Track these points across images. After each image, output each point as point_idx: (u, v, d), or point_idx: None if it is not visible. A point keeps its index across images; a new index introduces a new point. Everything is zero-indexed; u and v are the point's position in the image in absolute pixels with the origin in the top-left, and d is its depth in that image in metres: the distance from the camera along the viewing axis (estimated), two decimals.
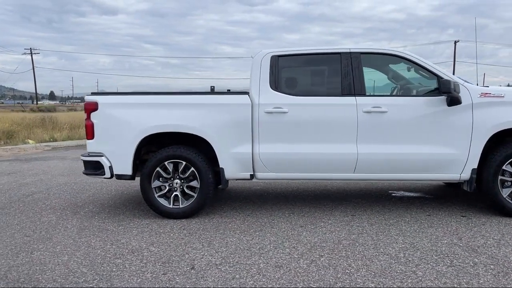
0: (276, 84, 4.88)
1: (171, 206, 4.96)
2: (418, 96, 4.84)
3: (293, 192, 6.34)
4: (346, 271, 3.44)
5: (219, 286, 3.22)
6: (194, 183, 4.93)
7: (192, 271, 3.51)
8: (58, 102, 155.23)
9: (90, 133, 5.01)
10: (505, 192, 4.74)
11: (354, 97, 4.78)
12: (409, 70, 5.14)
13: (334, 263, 3.60)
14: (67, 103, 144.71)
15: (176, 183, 4.96)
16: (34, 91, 77.51)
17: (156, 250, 4.01)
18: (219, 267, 3.58)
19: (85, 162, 5.10)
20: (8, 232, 4.63)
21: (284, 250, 3.92)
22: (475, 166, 4.72)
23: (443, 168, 4.77)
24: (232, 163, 4.88)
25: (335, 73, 4.91)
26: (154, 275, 3.44)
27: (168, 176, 4.96)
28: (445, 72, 4.80)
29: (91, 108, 4.98)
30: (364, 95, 4.80)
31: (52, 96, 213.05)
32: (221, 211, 5.29)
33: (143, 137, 4.88)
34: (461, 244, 3.98)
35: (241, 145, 4.87)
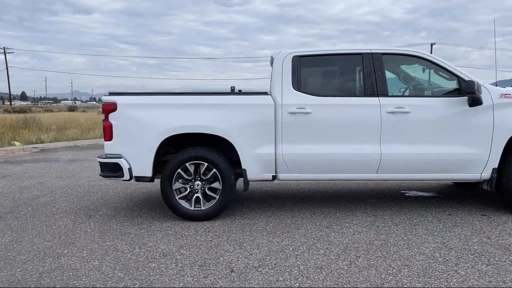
0: (298, 84, 4.86)
1: (192, 208, 4.88)
2: (440, 97, 4.88)
3: (306, 192, 6.33)
4: (389, 271, 3.43)
5: None
6: (216, 185, 4.86)
7: (233, 274, 3.45)
8: (30, 102, 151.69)
9: (108, 134, 4.88)
10: None
11: (377, 98, 4.80)
12: (423, 71, 5.20)
13: (374, 263, 3.60)
14: (39, 103, 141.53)
15: (197, 185, 4.88)
16: (7, 92, 75.50)
17: (187, 253, 3.93)
18: (259, 269, 3.53)
19: (102, 164, 4.96)
20: (26, 237, 4.47)
21: (319, 252, 3.90)
22: (496, 166, 4.79)
23: (465, 167, 4.83)
24: (255, 164, 4.84)
25: (357, 74, 4.92)
26: (195, 279, 3.36)
27: (189, 178, 4.88)
28: (465, 73, 4.86)
29: (110, 108, 4.86)
30: (386, 95, 4.83)
31: (23, 96, 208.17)
32: (241, 213, 5.23)
33: (164, 138, 4.79)
34: (491, 243, 4.03)
35: (264, 146, 4.82)
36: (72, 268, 3.63)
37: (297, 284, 3.24)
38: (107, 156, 4.92)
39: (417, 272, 3.40)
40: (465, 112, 4.77)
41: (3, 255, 3.94)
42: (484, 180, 4.90)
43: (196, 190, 4.89)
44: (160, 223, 4.88)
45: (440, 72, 5.01)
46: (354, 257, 3.76)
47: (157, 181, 5.17)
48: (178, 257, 3.84)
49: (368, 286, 3.18)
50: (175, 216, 5.04)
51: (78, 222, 4.99)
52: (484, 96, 4.76)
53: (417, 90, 5.30)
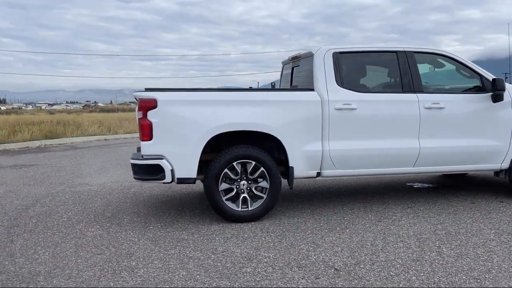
0: (341, 80, 4.88)
1: (239, 209, 4.67)
2: (469, 93, 5.22)
3: (320, 189, 6.37)
4: (481, 258, 3.61)
5: (387, 286, 3.16)
6: (264, 184, 4.71)
7: (341, 272, 3.38)
8: None
9: (147, 134, 4.48)
10: None
11: (415, 94, 5.00)
12: (431, 70, 5.53)
13: (460, 252, 3.76)
14: None
15: (243, 185, 4.68)
16: None
17: (270, 255, 3.76)
18: (361, 266, 3.50)
19: (140, 166, 4.54)
20: (66, 251, 3.94)
21: (398, 245, 3.96)
22: None
23: (489, 159, 5.23)
24: (302, 162, 4.77)
25: (394, 71, 5.08)
26: (308, 280, 3.24)
27: (236, 178, 4.66)
28: (485, 72, 5.26)
29: (149, 106, 4.46)
30: (422, 91, 5.05)
31: None
32: (279, 212, 5.10)
33: (211, 136, 4.53)
34: None
35: (312, 143, 4.78)
36: (165, 280, 3.28)
37: (414, 278, 3.27)
38: (146, 157, 4.52)
39: (507, 257, 3.62)
40: (489, 108, 5.17)
41: (61, 273, 3.44)
42: (502, 170, 5.33)
43: (242, 190, 4.69)
44: (205, 226, 4.60)
45: (461, 70, 5.35)
46: (435, 247, 3.88)
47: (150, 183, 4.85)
48: (264, 260, 3.66)
49: (481, 271, 3.31)
50: (214, 218, 4.80)
51: (111, 231, 4.52)
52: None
53: (447, 87, 5.60)
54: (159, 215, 5.10)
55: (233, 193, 4.66)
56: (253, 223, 4.68)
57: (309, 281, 3.24)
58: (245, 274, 3.37)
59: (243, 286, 3.16)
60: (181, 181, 4.58)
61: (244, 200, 4.68)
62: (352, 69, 5.05)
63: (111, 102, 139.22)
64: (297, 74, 5.65)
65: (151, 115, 4.46)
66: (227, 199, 4.65)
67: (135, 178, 4.64)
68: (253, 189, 4.71)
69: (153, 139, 4.47)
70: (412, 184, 6.66)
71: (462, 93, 5.26)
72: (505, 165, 5.28)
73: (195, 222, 4.79)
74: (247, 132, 4.66)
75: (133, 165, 4.59)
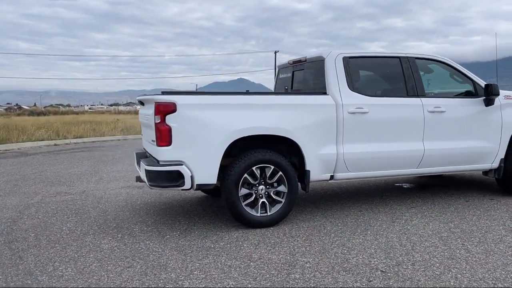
0: (352, 84, 4.97)
1: (258, 214, 4.61)
2: (465, 98, 5.52)
3: (318, 191, 6.43)
4: None
5: (440, 286, 3.27)
6: (281, 188, 4.68)
7: (389, 274, 3.44)
8: None
9: (166, 139, 4.29)
10: None
11: (419, 98, 5.20)
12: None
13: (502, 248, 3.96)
14: None
15: (261, 189, 4.63)
16: None
17: (307, 259, 3.74)
18: (404, 266, 3.58)
19: (158, 172, 4.33)
20: (90, 265, 3.67)
21: (435, 242, 4.10)
22: (503, 157, 5.63)
23: (482, 159, 5.56)
24: (317, 165, 4.80)
25: (399, 76, 5.25)
26: (362, 283, 3.26)
27: (255, 182, 4.59)
28: (477, 77, 5.59)
29: (168, 110, 4.28)
30: (424, 96, 5.26)
31: None
32: (290, 216, 5.07)
33: (233, 140, 4.43)
34: None
35: (327, 146, 4.82)
36: None
37: (460, 275, 3.40)
38: (164, 163, 4.33)
39: None
40: (483, 111, 5.50)
41: None
42: (492, 169, 5.69)
43: (260, 195, 4.63)
44: (224, 233, 4.48)
45: (455, 76, 5.65)
46: (460, 244, 4.06)
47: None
48: (306, 265, 3.63)
49: None
50: (229, 224, 4.72)
51: (127, 242, 4.27)
52: None
53: (444, 91, 5.87)
54: (169, 223, 4.90)
55: (252, 198, 4.59)
56: (272, 228, 4.63)
57: (364, 284, 3.26)
58: (296, 281, 3.32)
59: None
60: (200, 187, 4.44)
61: (263, 205, 4.62)
62: (362, 73, 5.15)
63: (35, 105, 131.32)
64: (300, 78, 5.67)
65: (170, 119, 4.28)
66: (246, 205, 4.56)
67: (151, 185, 4.42)
68: (271, 193, 4.65)
69: (172, 144, 4.29)
70: (401, 184, 6.92)
71: (459, 98, 5.55)
72: (495, 164, 5.64)
73: (211, 229, 4.65)
74: (264, 136, 4.61)
75: (149, 172, 4.38)
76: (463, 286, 3.21)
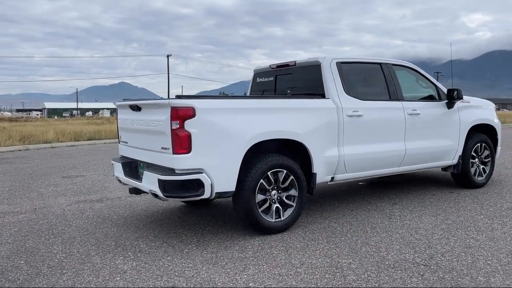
0: (347, 88, 5.16)
1: (273, 220, 4.55)
2: (434, 101, 6.05)
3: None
4: None
5: (480, 271, 3.57)
6: (293, 192, 4.68)
7: (432, 267, 3.65)
8: None
9: (185, 146, 4.03)
10: (472, 171, 6.50)
11: (400, 102, 5.59)
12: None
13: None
14: None
15: (274, 194, 4.58)
16: None
17: (347, 260, 3.81)
18: (437, 257, 3.82)
19: (175, 182, 4.04)
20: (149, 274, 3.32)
21: (449, 234, 4.42)
22: (461, 153, 6.29)
23: (446, 156, 6.15)
24: (322, 167, 4.89)
25: (383, 81, 5.57)
26: (418, 279, 3.41)
27: (269, 188, 4.53)
28: (439, 83, 6.19)
29: (187, 115, 4.03)
30: (403, 100, 5.67)
31: None
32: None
33: (251, 145, 4.32)
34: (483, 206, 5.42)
35: (331, 149, 4.94)
36: None
37: (494, 259, 3.74)
38: (181, 172, 4.05)
39: None
40: (446, 113, 6.09)
41: None
42: (452, 165, 6.32)
43: (273, 200, 4.58)
44: (246, 241, 4.34)
45: (420, 81, 6.18)
46: (474, 234, 4.45)
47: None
48: (352, 266, 3.69)
49: None
50: (240, 231, 4.61)
51: (147, 261, 3.91)
52: None
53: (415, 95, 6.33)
54: (172, 236, 4.59)
55: (267, 204, 4.51)
56: (285, 233, 4.60)
57: (419, 278, 3.41)
58: (358, 282, 3.36)
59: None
60: (220, 195, 4.24)
61: (277, 210, 4.57)
62: (353, 78, 5.36)
63: None
64: (287, 83, 5.70)
65: (190, 125, 4.03)
66: (262, 211, 4.47)
67: (166, 196, 4.10)
68: (283, 198, 4.62)
69: (192, 151, 4.05)
70: (362, 183, 7.31)
71: (429, 101, 6.07)
72: (455, 161, 6.28)
73: (224, 238, 4.47)
74: (276, 140, 4.57)
75: (166, 182, 4.06)
76: (499, 269, 3.53)
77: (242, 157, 4.27)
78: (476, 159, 6.56)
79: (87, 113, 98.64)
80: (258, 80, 6.21)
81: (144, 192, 4.73)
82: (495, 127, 6.73)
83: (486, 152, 6.65)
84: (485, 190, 6.48)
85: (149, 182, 4.30)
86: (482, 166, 6.64)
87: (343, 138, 5.02)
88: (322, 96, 5.05)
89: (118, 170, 5.09)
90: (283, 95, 5.52)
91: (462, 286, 3.25)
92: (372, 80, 5.61)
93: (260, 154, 4.46)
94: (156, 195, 4.28)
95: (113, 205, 6.15)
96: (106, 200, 6.46)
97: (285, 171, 4.56)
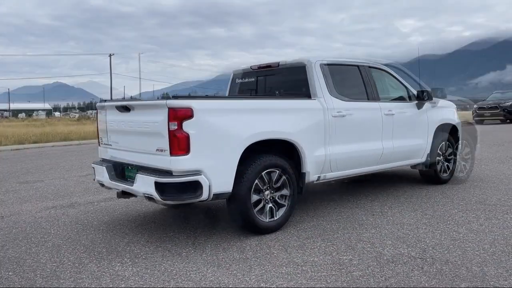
0: (330, 89, 5.29)
1: (267, 220, 4.58)
2: (405, 102, 6.34)
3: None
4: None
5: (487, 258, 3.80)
6: (285, 192, 4.73)
7: (428, 260, 3.84)
8: None
9: (184, 147, 3.97)
10: (438, 168, 6.88)
11: (377, 102, 5.81)
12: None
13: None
14: None
15: (267, 194, 4.62)
16: None
17: (348, 257, 3.91)
18: (431, 251, 4.03)
19: (173, 185, 3.97)
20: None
21: (444, 227, 4.65)
22: (428, 152, 6.63)
23: (417, 154, 6.46)
24: (311, 167, 4.98)
25: (362, 82, 5.77)
26: (431, 274, 3.59)
27: (263, 188, 4.56)
28: (408, 85, 6.50)
29: (185, 115, 3.97)
30: (379, 100, 5.90)
31: None
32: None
33: (247, 145, 4.33)
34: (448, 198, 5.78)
35: (319, 148, 5.04)
36: None
37: (491, 247, 3.99)
38: (179, 174, 3.99)
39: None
40: (417, 114, 6.41)
41: None
42: (422, 163, 6.65)
43: (267, 200, 4.61)
44: (237, 242, 4.33)
45: (391, 82, 6.45)
46: (467, 223, 4.72)
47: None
48: (354, 262, 3.80)
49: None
50: (225, 231, 4.61)
51: (147, 266, 3.82)
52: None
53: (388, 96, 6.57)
54: (165, 239, 4.50)
55: (261, 204, 4.53)
56: (278, 232, 4.64)
57: (419, 271, 3.56)
58: (366, 278, 3.46)
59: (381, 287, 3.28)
60: (218, 196, 4.21)
61: (270, 210, 4.61)
62: (334, 79, 5.48)
63: None
64: (270, 84, 5.74)
65: (188, 126, 3.98)
66: (256, 212, 4.49)
67: (164, 199, 4.02)
68: (276, 198, 4.66)
69: (190, 152, 3.99)
70: (346, 181, 7.48)
71: (401, 102, 6.34)
72: (423, 159, 6.61)
73: (223, 239, 4.44)
74: (268, 140, 4.61)
75: (163, 185, 3.98)
76: (488, 259, 3.77)
77: (239, 157, 4.26)
78: (441, 157, 6.94)
79: (19, 115, 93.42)
80: (237, 81, 6.21)
81: (134, 195, 4.60)
82: (457, 126, 7.16)
83: (450, 150, 7.05)
84: (450, 186, 6.87)
85: (143, 185, 4.19)
86: (446, 163, 7.03)
87: (329, 138, 5.13)
88: (306, 97, 5.14)
89: (101, 174, 4.90)
90: (272, 96, 5.55)
91: (461, 277, 3.44)
92: (352, 81, 5.78)
93: (253, 154, 4.46)
94: (150, 198, 4.17)
95: (87, 210, 5.91)
96: (78, 206, 6.19)
97: (278, 171, 4.60)
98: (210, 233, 4.67)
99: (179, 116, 3.93)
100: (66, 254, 4.15)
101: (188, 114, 3.96)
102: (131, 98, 4.44)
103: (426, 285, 3.31)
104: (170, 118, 3.94)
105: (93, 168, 5.12)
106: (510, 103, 23.22)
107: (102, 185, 4.98)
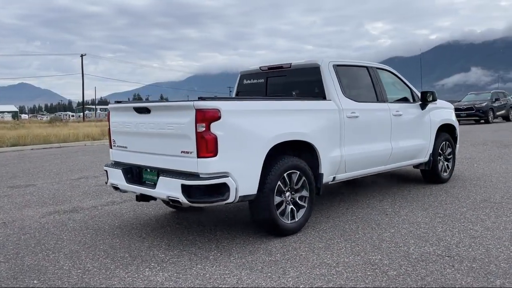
0: (344, 90, 5.32)
1: (289, 221, 4.56)
2: (411, 102, 6.43)
3: None
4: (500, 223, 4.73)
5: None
6: (304, 193, 4.72)
7: (455, 258, 3.90)
8: None
9: (212, 149, 3.91)
10: (439, 167, 7.01)
11: (386, 103, 5.88)
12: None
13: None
14: None
15: (288, 196, 4.60)
16: None
17: (377, 257, 3.93)
18: (454, 249, 4.10)
19: (200, 187, 3.90)
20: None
21: (459, 224, 4.72)
22: (431, 151, 6.76)
23: (421, 154, 6.57)
24: (327, 168, 4.99)
25: (371, 83, 5.82)
26: (462, 272, 3.64)
27: (285, 189, 4.54)
28: (412, 86, 6.61)
29: (214, 117, 3.91)
30: (388, 101, 5.97)
31: None
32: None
33: (271, 147, 4.30)
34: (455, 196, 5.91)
35: (335, 149, 5.06)
36: None
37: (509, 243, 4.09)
38: (206, 176, 3.92)
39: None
40: (421, 114, 6.52)
41: None
42: (424, 163, 6.77)
43: (288, 202, 4.59)
44: (260, 244, 4.30)
45: (396, 84, 6.54)
46: (480, 221, 4.81)
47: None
48: (384, 261, 3.82)
49: None
50: (243, 233, 4.59)
51: (177, 271, 3.74)
52: None
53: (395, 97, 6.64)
54: (193, 244, 4.42)
55: (283, 206, 4.51)
56: (299, 234, 4.63)
57: (451, 269, 3.61)
58: (401, 277, 3.49)
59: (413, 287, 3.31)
60: (243, 199, 4.16)
61: (291, 211, 4.59)
62: (346, 80, 5.50)
63: None
64: (280, 84, 5.72)
65: (216, 127, 3.92)
66: (279, 213, 4.46)
67: (191, 201, 3.94)
68: (297, 199, 4.65)
69: (218, 154, 3.93)
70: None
71: (407, 103, 6.43)
72: (426, 158, 6.73)
73: (246, 242, 4.40)
74: (289, 142, 4.59)
75: (191, 187, 3.91)
76: None
77: (264, 159, 4.23)
78: (442, 156, 7.08)
79: None
80: (245, 82, 6.16)
81: (153, 199, 4.51)
82: (456, 126, 7.32)
83: (449, 150, 7.20)
84: (450, 185, 7.01)
85: (167, 188, 4.10)
86: (446, 163, 7.18)
87: (344, 138, 5.16)
88: (321, 98, 5.15)
89: (116, 177, 4.77)
90: (288, 97, 5.53)
91: (493, 274, 3.51)
92: (362, 82, 5.83)
93: (276, 156, 4.44)
94: (175, 202, 4.09)
95: (93, 215, 5.74)
96: (82, 210, 6.02)
97: (298, 172, 4.59)
98: (230, 236, 4.62)
99: (207, 117, 3.87)
100: (88, 260, 4.02)
101: (216, 115, 3.90)
102: (146, 100, 4.29)
103: (463, 283, 3.36)
104: (198, 120, 3.87)
105: (106, 171, 4.98)
106: (484, 104, 23.97)
107: (116, 188, 4.85)
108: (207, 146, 3.88)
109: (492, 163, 9.14)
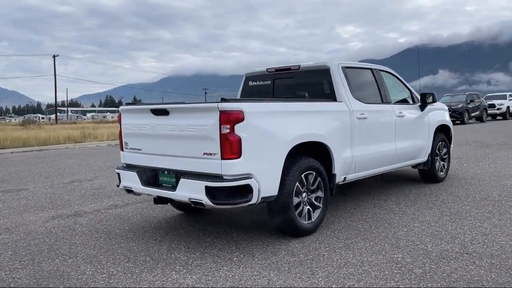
0: (352, 92, 5.40)
1: (306, 222, 4.60)
2: (411, 104, 6.58)
3: None
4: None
5: None
6: (319, 193, 4.77)
7: (473, 255, 4.01)
8: None
9: (236, 151, 3.91)
10: (436, 166, 7.19)
11: (390, 105, 6.00)
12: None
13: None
14: None
15: (304, 197, 4.64)
16: None
17: (398, 255, 4.02)
18: (470, 246, 4.21)
19: (224, 189, 3.90)
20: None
21: (465, 223, 4.85)
22: (430, 151, 6.93)
23: (420, 154, 6.73)
24: (340, 168, 5.05)
25: (376, 85, 5.93)
26: (483, 268, 3.75)
27: (302, 190, 4.57)
28: (412, 88, 6.76)
29: (237, 118, 3.91)
30: (391, 103, 6.10)
31: None
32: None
33: (290, 148, 4.33)
34: (477, 196, 6.10)
35: (346, 150, 5.13)
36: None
37: None
38: (229, 178, 3.92)
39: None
40: (420, 116, 6.67)
41: None
42: (423, 162, 6.93)
43: (304, 203, 4.63)
44: (281, 245, 4.32)
45: (396, 86, 6.68)
46: (484, 218, 4.96)
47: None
48: (407, 260, 3.90)
49: None
50: (261, 234, 4.60)
51: (205, 273, 3.72)
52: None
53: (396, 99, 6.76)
54: (213, 246, 4.40)
55: (301, 207, 4.54)
56: (315, 234, 4.67)
57: (474, 266, 3.71)
58: (427, 275, 3.57)
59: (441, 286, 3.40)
60: (265, 200, 4.18)
61: (308, 212, 4.63)
62: (354, 81, 5.59)
63: None
64: (288, 86, 5.76)
65: (240, 129, 3.92)
66: (297, 214, 4.50)
67: (215, 203, 3.93)
68: (313, 200, 4.69)
69: (242, 156, 3.94)
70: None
71: (408, 104, 6.58)
72: (425, 158, 6.90)
73: (266, 243, 4.41)
74: (306, 143, 4.63)
75: (215, 189, 3.89)
76: None
77: (284, 160, 4.25)
78: (438, 156, 7.26)
79: None
80: (250, 84, 6.17)
81: (171, 201, 4.47)
82: (450, 127, 7.52)
83: (445, 150, 7.40)
84: (447, 184, 7.20)
85: (189, 190, 4.07)
86: (442, 162, 7.37)
87: (355, 139, 5.23)
88: (332, 99, 5.21)
89: (130, 180, 4.71)
90: (299, 98, 5.56)
91: None
92: (368, 84, 5.92)
93: (294, 157, 4.46)
94: (197, 204, 4.06)
95: (98, 219, 5.64)
96: (86, 214, 5.90)
97: (314, 173, 4.64)
98: (248, 237, 4.62)
99: (231, 119, 3.87)
100: (109, 264, 3.96)
101: (240, 117, 3.91)
102: (134, 101, 4.30)
103: (488, 278, 3.46)
104: (222, 121, 3.86)
105: (118, 174, 4.90)
106: (460, 105, 24.67)
107: (129, 191, 4.78)
108: (231, 147, 3.87)
109: (480, 162, 9.42)
